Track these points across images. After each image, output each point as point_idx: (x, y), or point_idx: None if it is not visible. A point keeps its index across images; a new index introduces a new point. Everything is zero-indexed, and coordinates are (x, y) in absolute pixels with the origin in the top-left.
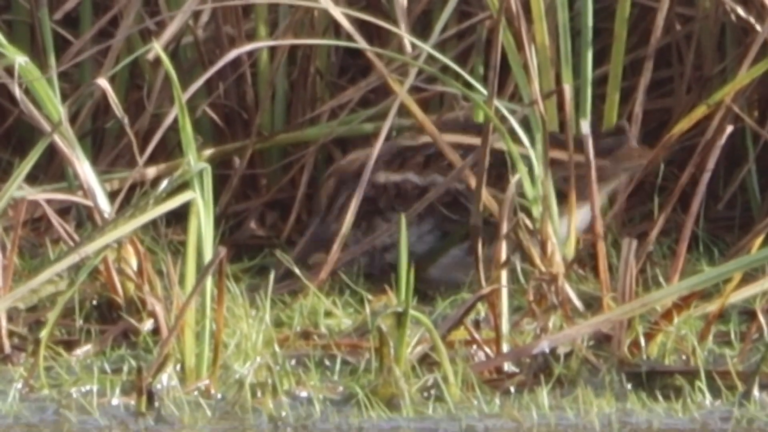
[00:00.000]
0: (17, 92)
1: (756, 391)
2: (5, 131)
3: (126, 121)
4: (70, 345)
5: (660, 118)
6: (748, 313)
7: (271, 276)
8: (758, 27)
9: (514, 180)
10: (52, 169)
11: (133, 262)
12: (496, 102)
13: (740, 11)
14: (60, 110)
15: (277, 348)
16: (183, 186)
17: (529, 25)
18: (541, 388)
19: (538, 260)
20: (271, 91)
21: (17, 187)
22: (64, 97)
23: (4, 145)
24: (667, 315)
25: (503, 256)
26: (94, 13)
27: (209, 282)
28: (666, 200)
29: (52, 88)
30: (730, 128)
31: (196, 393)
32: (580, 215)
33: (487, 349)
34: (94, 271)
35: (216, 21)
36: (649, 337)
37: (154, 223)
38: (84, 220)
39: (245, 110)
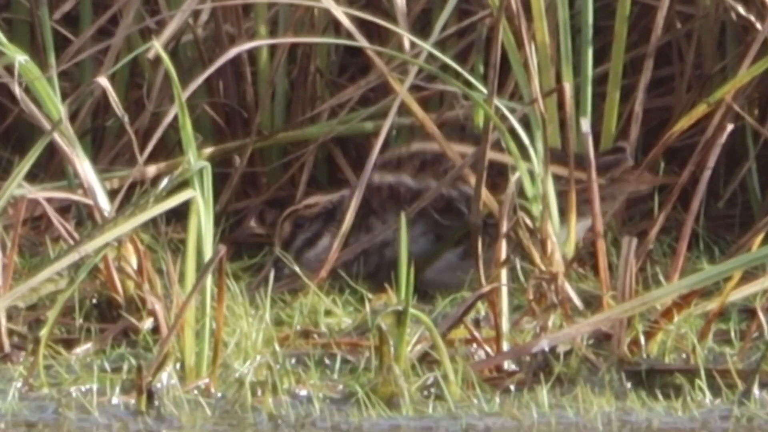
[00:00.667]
0: (17, 91)
1: (756, 390)
2: (5, 130)
3: (126, 119)
4: (69, 343)
5: (660, 117)
6: (748, 312)
7: (271, 275)
8: (758, 25)
9: (514, 178)
10: (52, 167)
11: (133, 261)
12: (496, 100)
13: (740, 9)
14: (60, 109)
15: (277, 347)
16: (183, 184)
17: (529, 23)
18: (541, 386)
19: (538, 259)
20: (271, 89)
21: (17, 186)
22: (64, 95)
23: (4, 144)
24: (667, 313)
25: (503, 255)
26: (94, 12)
27: (209, 280)
28: (666, 198)
29: (52, 87)
30: (730, 126)
31: (195, 392)
32: (578, 228)
33: (487, 348)
34: (94, 269)
35: (216, 19)
36: (649, 335)
37: (154, 221)
38: (84, 218)
39: (245, 109)
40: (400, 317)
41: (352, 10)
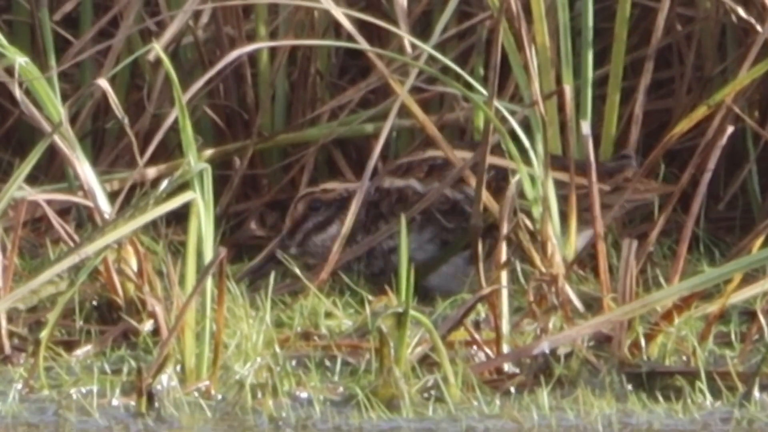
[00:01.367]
0: (18, 93)
1: (756, 392)
2: (5, 132)
3: (126, 121)
4: (70, 345)
5: (660, 119)
6: (748, 314)
7: (271, 279)
8: (759, 27)
9: (514, 180)
10: (52, 169)
11: (133, 263)
12: (497, 103)
13: (741, 12)
14: (60, 111)
15: (277, 349)
16: (183, 186)
17: (529, 25)
18: (541, 388)
19: (538, 261)
20: (271, 91)
21: (17, 188)
22: (65, 97)
23: (5, 146)
24: (668, 316)
25: (503, 257)
26: (95, 14)
27: (209, 282)
28: (666, 201)
29: (52, 89)
30: (730, 129)
31: (196, 394)
32: (581, 238)
33: (488, 350)
34: (94, 271)
35: (216, 21)
36: (649, 337)
37: (154, 223)
38: (84, 220)
39: (246, 111)
40: (400, 319)
41: (353, 11)
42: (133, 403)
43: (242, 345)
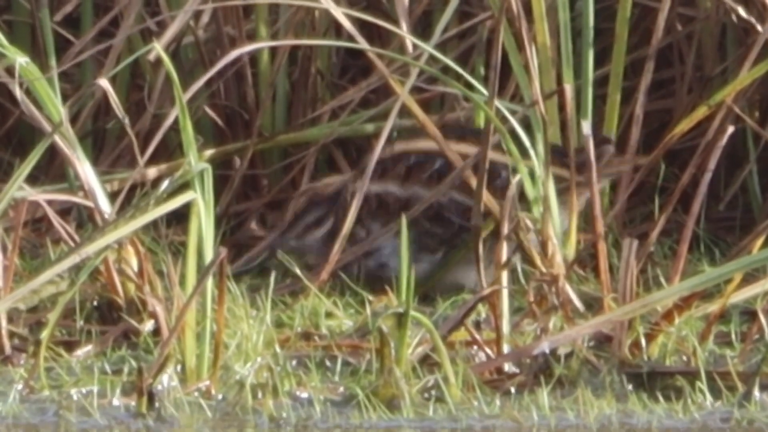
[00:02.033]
0: (18, 93)
1: (756, 392)
2: (6, 132)
3: (127, 121)
4: (70, 346)
5: (661, 119)
6: (748, 314)
7: (272, 278)
8: (759, 27)
9: (515, 180)
10: (52, 169)
11: (134, 263)
12: (497, 102)
13: (741, 11)
14: (61, 111)
15: (277, 349)
16: (184, 186)
17: (530, 25)
18: (541, 388)
19: (538, 261)
20: (272, 91)
21: (18, 188)
22: (65, 97)
23: (5, 146)
24: (668, 315)
25: (504, 257)
26: (95, 14)
27: (210, 282)
28: (667, 201)
29: (52, 89)
30: (731, 129)
31: (196, 394)
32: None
33: (488, 350)
34: (95, 271)
35: (217, 21)
36: (649, 337)
37: (154, 223)
38: (85, 220)
39: (246, 111)
40: (400, 319)
41: (353, 11)
42: (133, 403)
43: (243, 345)
